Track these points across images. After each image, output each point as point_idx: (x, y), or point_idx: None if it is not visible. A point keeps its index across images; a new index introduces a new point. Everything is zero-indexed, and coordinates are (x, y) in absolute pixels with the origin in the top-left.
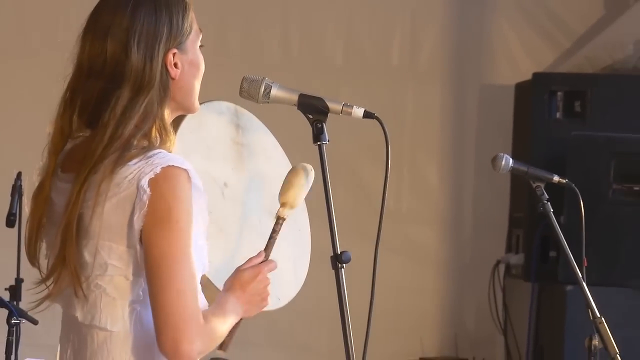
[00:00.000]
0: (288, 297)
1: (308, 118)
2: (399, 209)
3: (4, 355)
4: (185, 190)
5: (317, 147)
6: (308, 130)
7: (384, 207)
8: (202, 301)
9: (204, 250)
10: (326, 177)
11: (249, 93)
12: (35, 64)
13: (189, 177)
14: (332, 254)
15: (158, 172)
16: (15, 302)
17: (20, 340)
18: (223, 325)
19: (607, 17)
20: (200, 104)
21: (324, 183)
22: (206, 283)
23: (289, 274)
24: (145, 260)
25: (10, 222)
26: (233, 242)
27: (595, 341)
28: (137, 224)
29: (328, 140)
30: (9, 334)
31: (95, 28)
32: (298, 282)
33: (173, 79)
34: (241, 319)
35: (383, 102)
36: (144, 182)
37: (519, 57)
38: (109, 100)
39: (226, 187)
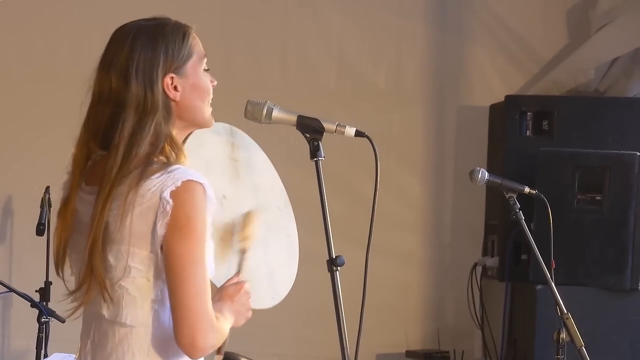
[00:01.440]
0: (281, 295)
1: (306, 137)
2: (386, 217)
3: (34, 350)
4: (202, 202)
5: (314, 162)
6: (305, 148)
7: (373, 215)
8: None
9: (211, 256)
10: (322, 189)
11: (253, 115)
12: (62, 87)
13: (204, 190)
14: (328, 258)
15: (179, 185)
16: (44, 303)
17: (49, 336)
18: (226, 325)
19: (570, 45)
20: None
21: (320, 194)
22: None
23: (280, 275)
24: (166, 264)
25: (40, 231)
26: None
27: (563, 335)
28: (160, 231)
29: (324, 157)
30: (39, 331)
31: (103, 61)
32: (289, 281)
33: (174, 101)
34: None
35: (372, 121)
36: (167, 194)
37: (493, 81)
38: (117, 124)
39: (225, 199)
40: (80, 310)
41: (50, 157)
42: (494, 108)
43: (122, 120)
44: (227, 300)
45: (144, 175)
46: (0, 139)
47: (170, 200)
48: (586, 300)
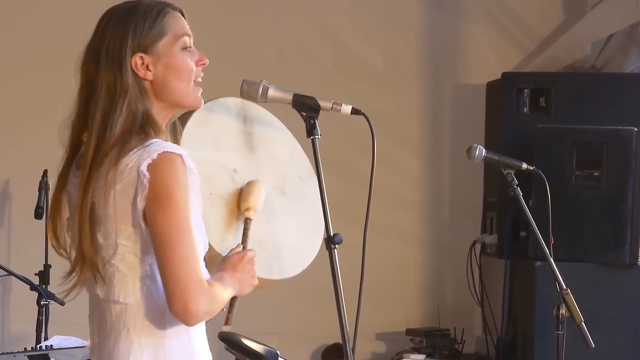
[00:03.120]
0: (304, 264)
1: (302, 115)
2: (384, 196)
3: (34, 333)
4: (180, 172)
5: (310, 141)
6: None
7: (371, 193)
8: (204, 273)
9: (202, 227)
10: (319, 167)
11: (249, 94)
12: (60, 72)
13: (183, 161)
14: (326, 236)
15: (155, 157)
16: (44, 286)
17: (49, 319)
18: (224, 292)
19: (567, 21)
20: (207, 101)
21: (317, 173)
22: (215, 257)
23: (304, 245)
24: (151, 236)
25: (38, 215)
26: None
27: (563, 310)
28: (140, 204)
29: (320, 135)
30: (39, 314)
31: (85, 48)
32: (313, 250)
33: (145, 80)
34: (237, 297)
35: (368, 101)
36: (143, 167)
37: (489, 59)
38: (91, 108)
39: (235, 173)
40: (76, 292)
41: (48, 141)
42: (490, 86)
43: (94, 103)
44: (229, 270)
45: (122, 152)
46: None
47: (147, 174)
48: (585, 276)
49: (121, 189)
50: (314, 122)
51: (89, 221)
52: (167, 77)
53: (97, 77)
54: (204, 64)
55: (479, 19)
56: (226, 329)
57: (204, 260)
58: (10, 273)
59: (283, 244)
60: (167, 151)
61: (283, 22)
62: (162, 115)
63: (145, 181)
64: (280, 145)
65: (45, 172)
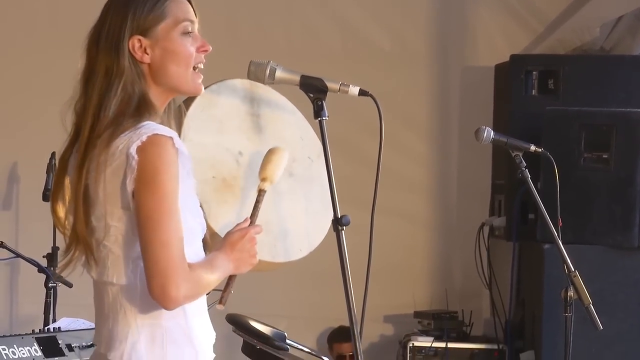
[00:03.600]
0: (312, 246)
1: (309, 97)
2: (392, 177)
3: (43, 315)
4: (170, 155)
5: (317, 122)
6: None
7: (378, 175)
8: (199, 255)
9: (198, 209)
10: (327, 148)
11: (256, 75)
12: (68, 54)
13: (173, 144)
14: (333, 218)
15: (144, 139)
16: (52, 268)
17: (57, 301)
18: (210, 275)
19: (575, 3)
20: (213, 84)
21: (324, 154)
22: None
23: (312, 226)
24: (136, 218)
25: (46, 197)
26: (248, 205)
27: (571, 293)
28: (129, 187)
29: (327, 116)
30: (47, 296)
31: (89, 32)
32: (322, 231)
33: (142, 63)
34: (235, 275)
35: (377, 83)
36: (133, 150)
37: (498, 41)
38: (89, 89)
39: (241, 155)
40: (70, 270)
41: (55, 123)
42: (499, 68)
43: (92, 85)
44: (227, 248)
45: (114, 134)
46: (5, 106)
47: (136, 156)
48: (593, 258)
49: (112, 171)
50: (322, 103)
51: (83, 203)
52: (164, 61)
53: (97, 59)
54: (205, 51)
55: (487, 1)
56: (220, 307)
57: (204, 241)
58: (18, 255)
59: (290, 226)
60: (157, 134)
61: (291, 3)
62: (160, 99)
63: (134, 163)
64: (289, 126)
65: (53, 154)
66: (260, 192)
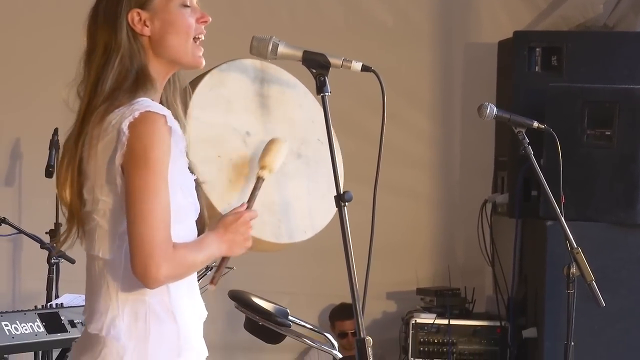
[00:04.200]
0: (316, 228)
1: (312, 72)
2: (395, 154)
3: (45, 291)
4: (161, 133)
5: (320, 98)
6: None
7: (381, 151)
8: (189, 234)
9: (190, 189)
10: (329, 124)
11: (259, 50)
12: (72, 31)
13: (166, 122)
14: (336, 194)
15: (137, 116)
16: (54, 244)
17: (60, 277)
18: (196, 255)
19: None
20: (223, 63)
21: (327, 130)
22: (217, 217)
23: (318, 208)
24: (125, 194)
25: (49, 173)
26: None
27: (573, 269)
28: (117, 161)
29: (330, 92)
30: (50, 272)
31: (90, 11)
32: (328, 213)
33: (143, 35)
34: (228, 257)
35: (380, 59)
36: (124, 125)
37: (501, 18)
38: (88, 64)
39: (248, 136)
40: (69, 244)
41: (58, 100)
42: (502, 44)
43: (90, 61)
44: (220, 229)
45: (108, 109)
46: (8, 83)
47: (127, 131)
48: (596, 235)
49: (103, 146)
50: (324, 79)
51: (77, 175)
52: (164, 32)
53: (96, 36)
54: (205, 22)
55: None
56: (211, 288)
57: (200, 221)
58: (20, 231)
59: (294, 207)
60: (150, 110)
61: None
62: (161, 73)
63: (124, 139)
64: (299, 108)
65: (56, 130)
66: (259, 180)
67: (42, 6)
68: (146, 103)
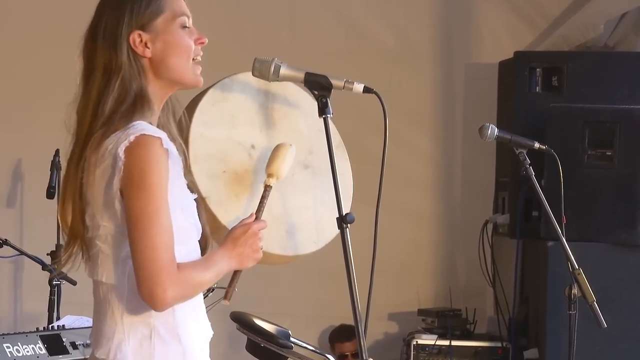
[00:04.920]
0: (326, 239)
1: (314, 94)
2: (396, 175)
3: (47, 313)
4: (157, 156)
5: (322, 120)
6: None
7: (383, 173)
8: (192, 254)
9: (191, 209)
10: (331, 146)
11: (261, 72)
12: (72, 53)
13: (161, 144)
14: (338, 216)
15: (132, 140)
16: (56, 266)
17: (61, 298)
18: (203, 273)
19: (579, 0)
20: (225, 78)
21: (329, 152)
22: (222, 230)
23: (328, 219)
24: (126, 219)
25: (50, 194)
26: (258, 199)
27: (575, 290)
28: (115, 186)
29: (332, 114)
30: (51, 293)
31: (86, 30)
32: (334, 226)
33: (144, 57)
34: (240, 271)
35: (381, 80)
36: (120, 150)
37: (502, 38)
38: (87, 87)
39: (253, 149)
40: (68, 267)
41: (60, 121)
42: (503, 65)
43: (91, 82)
44: (229, 244)
45: (105, 134)
46: (10, 103)
47: (123, 156)
48: (598, 256)
49: (101, 172)
50: (326, 100)
51: (79, 200)
52: (165, 54)
53: (95, 57)
54: (202, 43)
55: None
56: (225, 303)
57: (203, 240)
58: (22, 253)
59: (301, 219)
60: (144, 134)
61: (295, 0)
62: (160, 94)
63: (121, 164)
64: (306, 119)
65: (57, 151)
66: (266, 188)
67: (43, 27)
68: (141, 127)
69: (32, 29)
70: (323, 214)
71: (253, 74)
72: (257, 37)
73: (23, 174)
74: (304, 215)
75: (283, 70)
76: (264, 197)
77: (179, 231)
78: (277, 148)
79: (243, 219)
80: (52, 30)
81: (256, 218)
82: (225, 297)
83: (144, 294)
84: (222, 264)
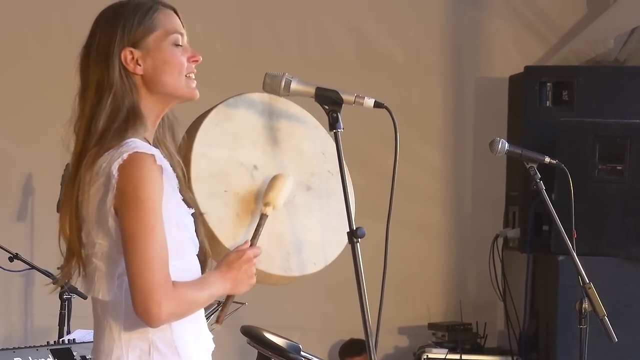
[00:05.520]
0: (327, 260)
1: (324, 109)
2: (407, 189)
3: (57, 327)
4: (150, 172)
5: (333, 134)
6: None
7: (393, 187)
8: (188, 269)
9: (187, 224)
10: (342, 161)
11: (271, 87)
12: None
13: (154, 161)
14: (348, 230)
15: (125, 157)
16: (67, 280)
17: (72, 312)
18: (198, 293)
19: (589, 15)
20: (230, 97)
21: (339, 166)
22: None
23: (328, 241)
24: (120, 237)
25: (60, 209)
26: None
27: (585, 304)
28: (109, 204)
29: (343, 128)
30: (62, 307)
31: (81, 49)
32: (338, 246)
33: (135, 74)
34: (233, 296)
35: (391, 94)
36: (114, 168)
37: (512, 52)
38: (81, 104)
39: (256, 169)
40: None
41: (69, 134)
42: (513, 79)
43: (84, 99)
44: (223, 267)
45: (99, 153)
46: (19, 117)
47: (116, 174)
48: (608, 270)
49: (95, 190)
50: (337, 115)
51: (75, 218)
52: (156, 71)
53: (89, 73)
54: (196, 61)
55: (501, 12)
56: (217, 327)
57: (202, 254)
58: (33, 267)
59: (305, 240)
60: (137, 151)
61: (305, 15)
62: (155, 110)
63: (114, 182)
64: (309, 140)
65: (67, 165)
66: (262, 216)
67: (52, 40)
68: (134, 144)
69: (41, 43)
70: (326, 235)
71: (264, 89)
72: (267, 52)
73: (34, 188)
74: (305, 237)
75: (294, 85)
76: (259, 225)
77: (175, 246)
78: (275, 178)
79: (238, 246)
80: (61, 43)
81: (251, 245)
82: (217, 321)
83: (138, 310)
84: (217, 286)
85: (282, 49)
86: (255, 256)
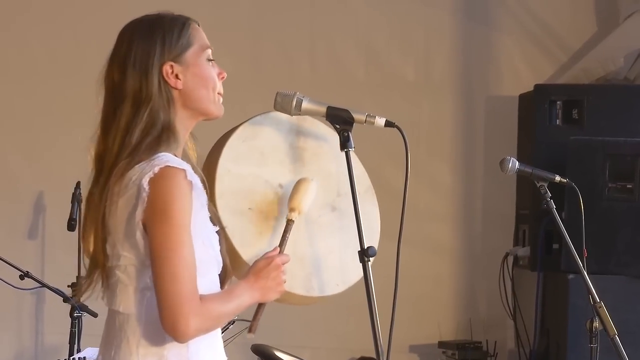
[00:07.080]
0: (349, 282)
1: (335, 128)
2: (417, 208)
3: (68, 345)
4: (181, 188)
5: (344, 153)
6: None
7: (404, 206)
8: (212, 287)
9: (212, 242)
10: (353, 180)
11: (282, 106)
12: (91, 81)
13: (185, 176)
14: (360, 249)
15: (156, 171)
16: (77, 298)
17: (82, 331)
18: (225, 306)
19: (599, 33)
20: (257, 115)
21: (350, 185)
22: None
23: (352, 262)
24: (149, 251)
25: (71, 227)
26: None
27: (596, 323)
28: (138, 217)
29: (354, 147)
30: (72, 325)
31: (110, 57)
32: (359, 270)
33: (175, 88)
34: (264, 304)
35: (401, 113)
36: (144, 182)
37: (522, 71)
38: (115, 116)
39: (281, 188)
40: (87, 295)
41: (80, 152)
42: (523, 97)
43: (119, 112)
44: (251, 277)
45: (129, 165)
46: (30, 135)
47: (147, 188)
48: (619, 289)
49: (124, 202)
50: (348, 134)
51: (102, 230)
52: (195, 85)
53: (124, 86)
54: (223, 77)
55: (511, 31)
56: (250, 336)
57: (224, 272)
58: (43, 285)
59: (326, 261)
60: (169, 165)
61: (316, 33)
62: (186, 125)
63: (144, 195)
64: (335, 160)
65: (78, 184)
66: (289, 222)
67: (63, 57)
68: (165, 158)
69: (51, 59)
70: (347, 256)
71: (275, 108)
72: (277, 70)
73: (45, 206)
74: (329, 258)
75: (305, 104)
76: (286, 231)
77: (199, 263)
78: (299, 182)
79: (266, 252)
80: (71, 60)
81: (280, 251)
82: (250, 330)
83: (166, 325)
84: (244, 297)
85: (293, 67)
86: (283, 263)
